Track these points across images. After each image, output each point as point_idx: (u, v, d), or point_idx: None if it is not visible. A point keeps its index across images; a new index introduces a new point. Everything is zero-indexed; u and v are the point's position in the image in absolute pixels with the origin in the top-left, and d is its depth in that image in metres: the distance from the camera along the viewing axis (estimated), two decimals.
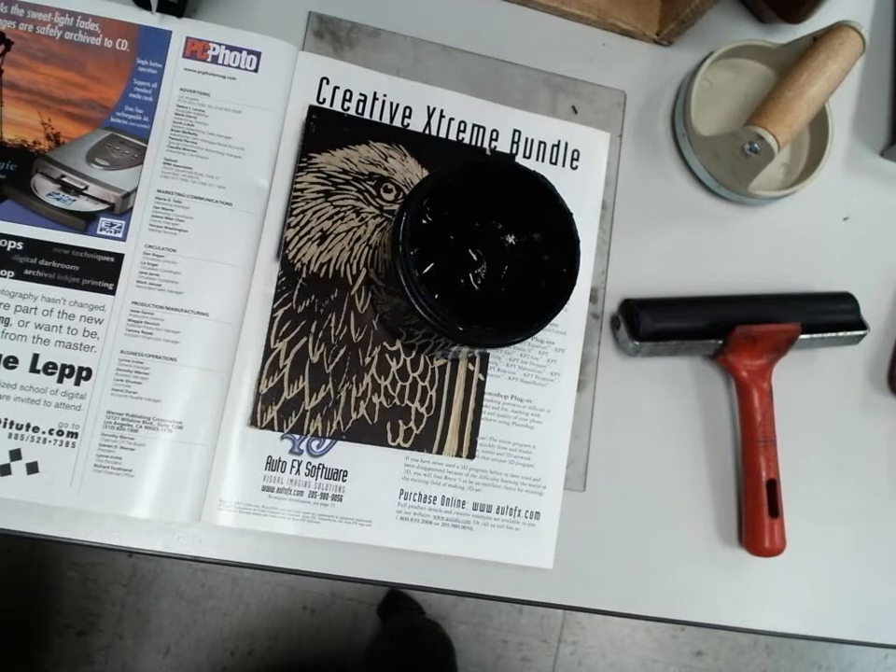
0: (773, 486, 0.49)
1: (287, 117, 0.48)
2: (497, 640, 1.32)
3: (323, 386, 0.46)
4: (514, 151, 0.51)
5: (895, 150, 0.57)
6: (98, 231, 0.45)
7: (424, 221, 0.36)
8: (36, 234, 0.44)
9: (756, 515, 0.49)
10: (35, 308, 0.43)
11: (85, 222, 0.45)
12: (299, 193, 0.47)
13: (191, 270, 0.45)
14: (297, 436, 0.46)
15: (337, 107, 0.49)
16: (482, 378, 0.48)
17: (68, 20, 0.46)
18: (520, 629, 1.33)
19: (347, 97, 0.49)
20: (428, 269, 0.36)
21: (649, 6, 0.54)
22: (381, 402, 0.47)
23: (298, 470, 0.45)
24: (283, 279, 0.46)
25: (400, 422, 0.47)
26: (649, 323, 0.49)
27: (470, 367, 0.48)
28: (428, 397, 0.47)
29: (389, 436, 0.47)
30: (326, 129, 0.48)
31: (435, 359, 0.48)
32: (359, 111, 0.49)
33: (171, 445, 0.43)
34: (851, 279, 0.55)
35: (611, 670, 1.36)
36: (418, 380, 0.47)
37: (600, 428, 0.50)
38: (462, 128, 0.51)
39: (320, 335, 0.47)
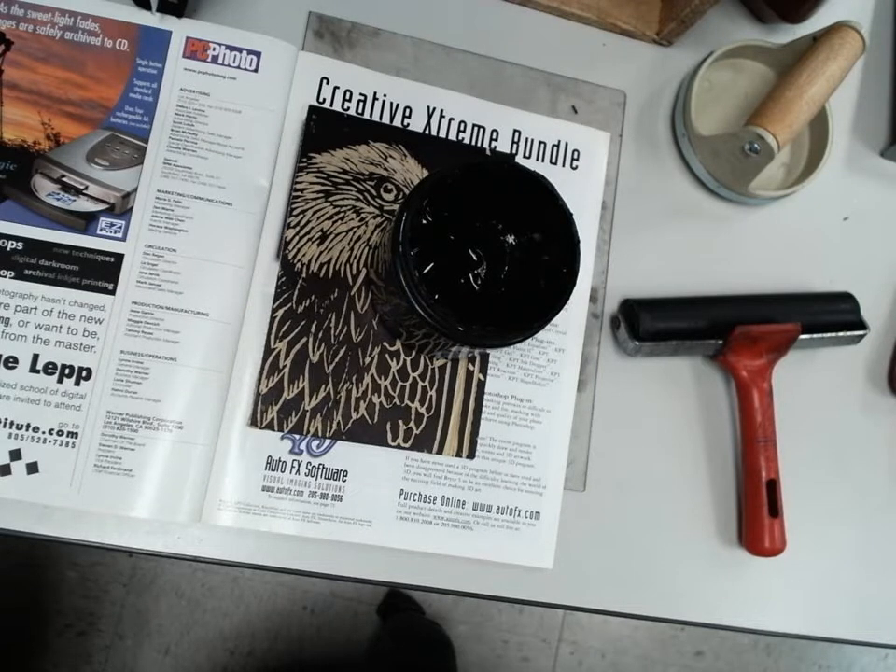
0: (773, 486, 0.49)
1: (287, 117, 0.48)
2: (497, 640, 1.32)
3: (323, 386, 0.46)
4: (514, 151, 0.51)
5: (895, 150, 0.57)
6: (98, 231, 0.45)
7: (424, 221, 0.36)
8: (36, 234, 0.44)
9: (756, 515, 0.49)
10: (35, 308, 0.43)
11: (85, 222, 0.45)
12: (299, 193, 0.47)
13: (191, 270, 0.45)
14: (297, 436, 0.46)
15: (337, 107, 0.49)
16: (482, 378, 0.48)
17: (68, 20, 0.46)
18: (520, 629, 1.33)
19: (347, 97, 0.49)
20: (428, 269, 0.36)
21: (649, 6, 0.54)
22: (381, 402, 0.47)
23: (298, 470, 0.45)
24: (283, 279, 0.46)
25: (400, 422, 0.47)
26: (649, 323, 0.49)
27: (470, 367, 0.48)
28: (428, 397, 0.47)
29: (389, 436, 0.47)
30: (326, 129, 0.48)
31: (435, 359, 0.48)
32: (359, 111, 0.49)
33: (171, 445, 0.43)
34: (851, 279, 0.55)
35: (611, 670, 1.36)
36: (418, 380, 0.47)
37: (600, 428, 0.50)
38: (462, 128, 0.51)
39: (320, 335, 0.47)
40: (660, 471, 0.51)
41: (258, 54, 0.48)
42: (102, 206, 0.45)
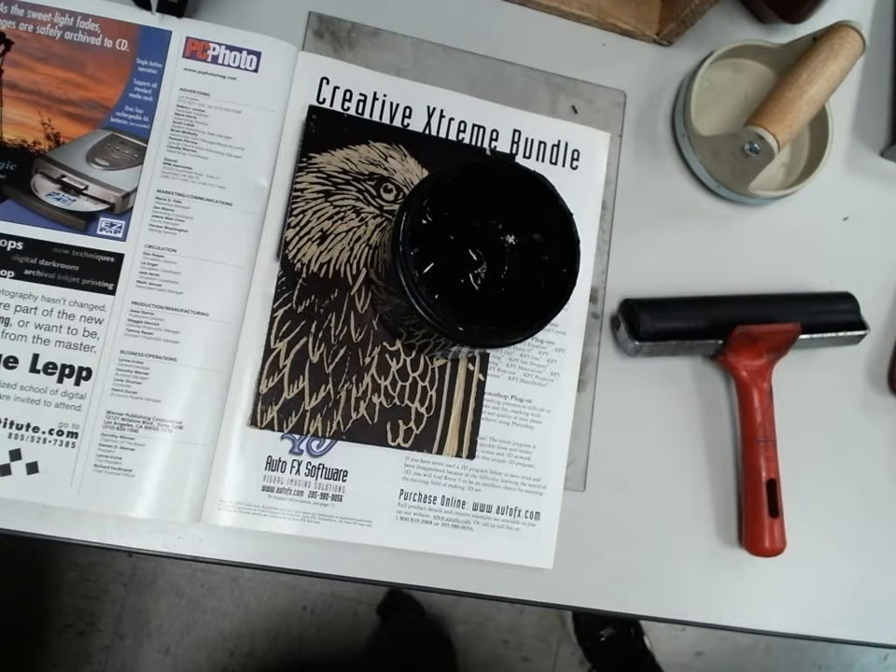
0: (773, 486, 0.49)
1: (287, 117, 0.48)
2: (497, 640, 1.32)
3: (323, 386, 0.46)
4: (514, 151, 0.51)
5: (895, 150, 0.57)
6: (98, 231, 0.45)
7: (424, 221, 0.36)
8: (36, 234, 0.44)
9: (756, 515, 0.49)
10: (35, 308, 0.43)
11: (85, 222, 0.45)
12: (299, 193, 0.47)
13: (191, 270, 0.45)
14: (297, 436, 0.46)
15: (337, 107, 0.49)
16: (482, 378, 0.48)
17: (68, 20, 0.46)
18: (520, 629, 1.33)
19: (347, 97, 0.49)
20: (428, 269, 0.36)
21: (649, 6, 0.54)
22: (381, 402, 0.47)
23: (298, 470, 0.45)
24: (283, 279, 0.46)
25: (400, 422, 0.47)
26: (649, 323, 0.49)
27: (470, 367, 0.48)
28: (428, 397, 0.47)
29: (389, 436, 0.47)
30: (326, 129, 0.48)
31: (435, 359, 0.48)
32: (359, 111, 0.49)
33: (171, 445, 0.43)
34: (851, 279, 0.55)
35: None
36: (418, 380, 0.47)
37: (600, 428, 0.50)
38: (462, 128, 0.51)
39: (320, 335, 0.47)
40: (660, 471, 0.51)
41: (258, 54, 0.48)
42: (102, 206, 0.45)
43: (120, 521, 0.43)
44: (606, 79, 0.54)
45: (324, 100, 0.49)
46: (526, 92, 0.52)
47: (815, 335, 0.51)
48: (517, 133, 0.51)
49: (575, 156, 0.52)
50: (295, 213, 0.47)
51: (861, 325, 0.52)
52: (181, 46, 0.47)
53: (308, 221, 0.47)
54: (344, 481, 0.46)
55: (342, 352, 0.47)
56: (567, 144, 0.52)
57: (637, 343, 0.49)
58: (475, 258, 0.37)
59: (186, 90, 0.47)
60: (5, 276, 0.43)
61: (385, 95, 0.50)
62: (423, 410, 0.47)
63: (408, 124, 0.50)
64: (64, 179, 0.45)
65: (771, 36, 0.56)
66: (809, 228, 0.56)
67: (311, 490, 0.45)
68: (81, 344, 0.44)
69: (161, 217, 0.45)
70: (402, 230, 0.36)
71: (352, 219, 0.48)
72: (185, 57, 0.47)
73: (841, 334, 0.52)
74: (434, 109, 0.50)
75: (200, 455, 0.44)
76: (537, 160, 0.51)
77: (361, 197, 0.48)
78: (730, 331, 0.49)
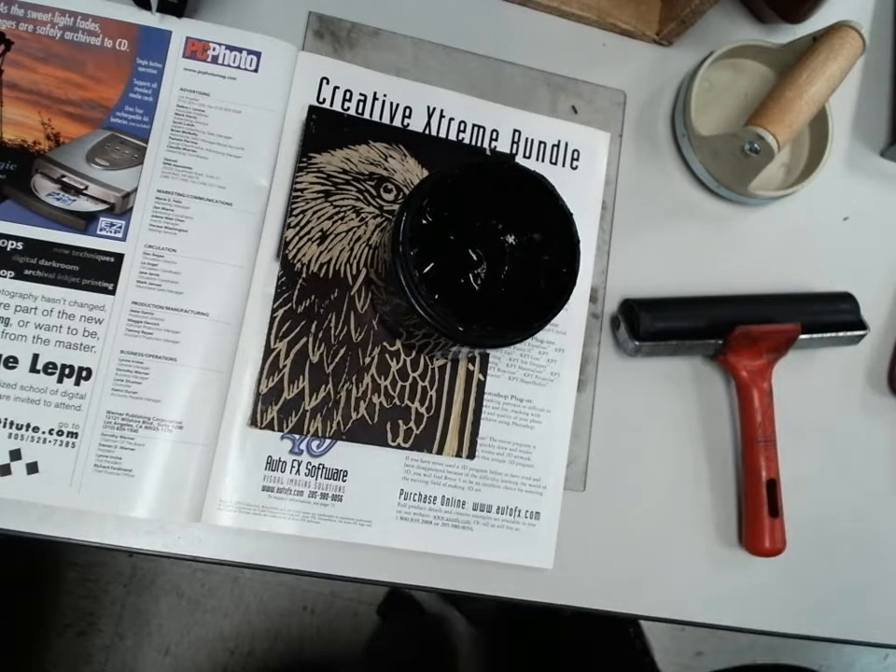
0: (773, 486, 0.49)
1: (287, 117, 0.48)
2: None
3: (323, 386, 0.46)
4: (514, 151, 0.51)
5: (895, 150, 0.57)
6: (98, 231, 0.45)
7: (424, 221, 0.36)
8: (36, 234, 0.44)
9: (756, 515, 0.49)
10: (35, 308, 0.43)
11: (85, 222, 0.45)
12: (299, 193, 0.47)
13: (191, 270, 0.45)
14: (297, 436, 0.46)
15: (337, 107, 0.49)
16: (482, 378, 0.48)
17: (68, 20, 0.46)
18: None
19: (347, 97, 0.49)
20: (428, 269, 0.36)
21: (649, 6, 0.54)
22: (381, 402, 0.47)
23: (298, 470, 0.45)
24: (283, 279, 0.46)
25: (400, 422, 0.47)
26: (649, 323, 0.49)
27: (470, 367, 0.48)
28: (428, 397, 0.47)
29: (389, 436, 0.47)
30: (326, 129, 0.48)
31: (435, 359, 0.48)
32: (359, 111, 0.49)
33: (171, 445, 0.43)
34: (851, 279, 0.55)
35: None
36: (418, 380, 0.47)
37: (600, 428, 0.50)
38: (462, 128, 0.51)
39: (320, 335, 0.47)
40: (660, 471, 0.51)
41: (258, 54, 0.48)
42: (102, 206, 0.45)
43: (120, 521, 0.43)
44: (606, 79, 0.54)
45: (324, 100, 0.49)
46: (526, 92, 0.52)
47: (815, 335, 0.51)
48: (517, 133, 0.51)
49: (575, 156, 0.52)
50: (295, 213, 0.47)
51: (861, 325, 0.52)
52: (181, 46, 0.47)
53: (308, 221, 0.47)
54: (344, 481, 0.46)
55: (342, 352, 0.47)
56: (566, 144, 0.52)
57: (637, 342, 0.49)
58: (475, 258, 0.37)
59: (186, 90, 0.47)
60: (5, 276, 0.43)
61: (385, 95, 0.50)
62: (423, 410, 0.47)
63: (408, 124, 0.50)
64: (64, 179, 0.45)
65: (771, 36, 0.56)
66: (809, 228, 0.56)
67: (311, 490, 0.45)
68: (81, 344, 0.44)
69: (161, 217, 0.45)
70: (402, 230, 0.36)
71: (352, 219, 0.48)
72: (185, 57, 0.47)
73: (841, 334, 0.52)
74: (434, 109, 0.50)
75: (200, 455, 0.44)
76: (537, 160, 0.51)
77: (361, 197, 0.48)
78: (730, 331, 0.49)
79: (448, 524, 0.47)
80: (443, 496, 0.47)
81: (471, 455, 0.48)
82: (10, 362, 0.43)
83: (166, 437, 0.43)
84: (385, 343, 0.47)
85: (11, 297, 0.43)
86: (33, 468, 0.42)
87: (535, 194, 0.38)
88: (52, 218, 0.44)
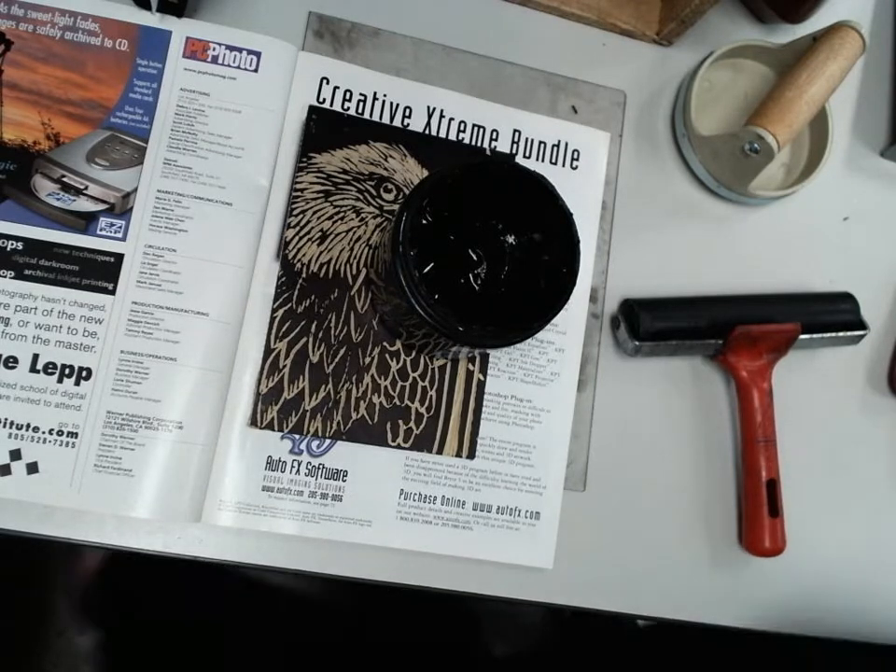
0: (773, 486, 0.49)
1: (287, 117, 0.48)
2: None
3: (323, 386, 0.46)
4: (514, 151, 0.51)
5: (895, 150, 0.57)
6: (98, 231, 0.45)
7: (424, 221, 0.36)
8: (36, 234, 0.44)
9: (756, 515, 0.49)
10: (35, 308, 0.43)
11: (85, 222, 0.45)
12: (299, 193, 0.47)
13: (191, 270, 0.45)
14: (297, 436, 0.46)
15: (337, 107, 0.49)
16: (482, 378, 0.48)
17: (68, 20, 0.46)
18: None
19: (347, 97, 0.49)
20: (428, 269, 0.36)
21: (649, 6, 0.54)
22: (381, 402, 0.47)
23: (298, 470, 0.45)
24: (283, 279, 0.46)
25: (400, 422, 0.47)
26: (649, 323, 0.49)
27: (470, 367, 0.48)
28: (428, 397, 0.47)
29: (389, 436, 0.47)
30: (326, 129, 0.48)
31: (435, 359, 0.48)
32: (359, 111, 0.49)
33: (171, 445, 0.43)
34: (851, 279, 0.55)
35: None
36: (418, 380, 0.47)
37: (600, 428, 0.50)
38: (462, 128, 0.51)
39: (320, 335, 0.47)
40: (660, 471, 0.51)
41: (258, 54, 0.48)
42: (102, 206, 0.45)
43: (120, 521, 0.43)
44: (606, 79, 0.54)
45: (324, 100, 0.49)
46: (526, 92, 0.52)
47: (815, 335, 0.51)
48: (517, 133, 0.51)
49: (575, 156, 0.52)
50: (295, 213, 0.47)
51: (861, 325, 0.52)
52: (181, 46, 0.47)
53: (308, 221, 0.47)
54: (344, 481, 0.46)
55: (342, 352, 0.47)
56: (567, 144, 0.52)
57: (636, 342, 0.49)
58: (475, 258, 0.37)
59: (186, 90, 0.47)
60: (5, 276, 0.43)
61: (385, 95, 0.50)
62: (423, 410, 0.47)
63: (408, 124, 0.50)
64: (64, 179, 0.45)
65: (771, 36, 0.56)
66: (809, 228, 0.56)
67: (311, 490, 0.45)
68: (81, 344, 0.44)
69: (161, 217, 0.45)
70: (402, 230, 0.36)
71: (352, 219, 0.48)
72: (185, 57, 0.47)
73: (841, 334, 0.52)
74: (434, 109, 0.50)
75: (200, 455, 0.44)
76: (537, 160, 0.51)
77: (361, 197, 0.48)
78: (730, 331, 0.49)
79: (448, 524, 0.47)
80: (443, 496, 0.47)
81: (471, 455, 0.48)
82: (10, 362, 0.43)
83: (166, 437, 0.43)
84: (385, 343, 0.47)
85: (11, 297, 0.43)
86: (33, 468, 0.42)
87: (535, 194, 0.38)
88: (52, 218, 0.44)
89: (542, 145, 0.52)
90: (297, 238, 0.47)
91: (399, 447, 0.47)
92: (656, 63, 0.55)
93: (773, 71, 0.55)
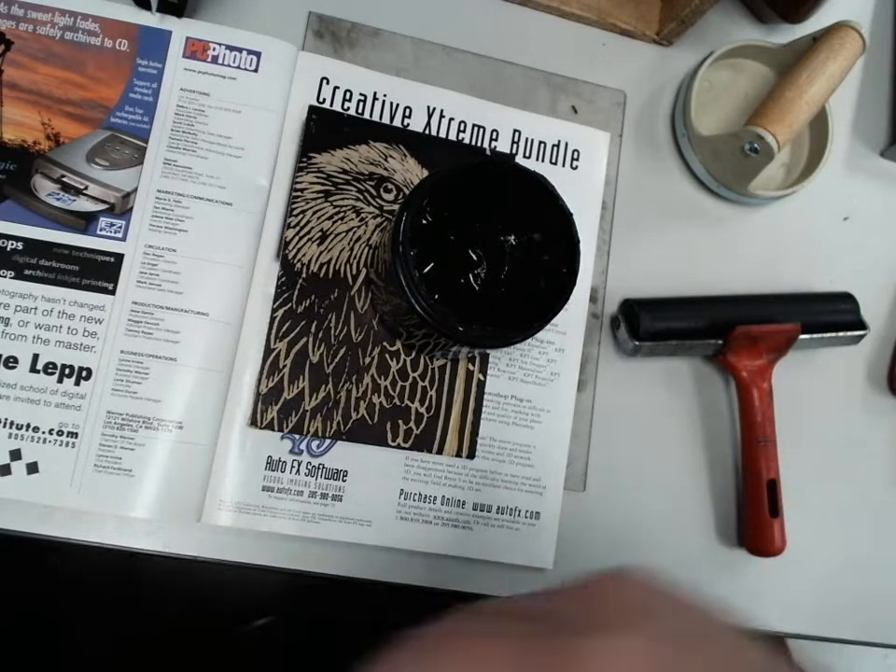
0: (773, 486, 0.49)
1: (287, 117, 0.48)
2: None
3: (323, 386, 0.46)
4: (514, 151, 0.51)
5: (895, 150, 0.57)
6: (98, 231, 0.45)
7: (424, 221, 0.36)
8: (36, 234, 0.44)
9: (756, 515, 0.49)
10: (35, 308, 0.43)
11: (85, 222, 0.45)
12: (299, 193, 0.47)
13: (191, 270, 0.45)
14: (297, 436, 0.46)
15: (337, 107, 0.49)
16: (482, 378, 0.48)
17: (68, 20, 0.46)
18: None
19: (347, 97, 0.49)
20: (428, 269, 0.36)
21: (649, 6, 0.54)
22: (381, 402, 0.47)
23: (298, 470, 0.45)
24: (283, 279, 0.46)
25: (400, 422, 0.47)
26: (649, 323, 0.49)
27: (470, 367, 0.48)
28: (428, 397, 0.47)
29: (389, 436, 0.47)
30: (326, 129, 0.48)
31: (435, 359, 0.48)
32: (359, 111, 0.49)
33: (171, 445, 0.43)
34: (851, 279, 0.55)
35: None
36: (418, 380, 0.47)
37: (600, 428, 0.50)
38: (462, 128, 0.51)
39: (320, 335, 0.47)
40: (660, 472, 0.51)
41: (258, 54, 0.48)
42: (102, 206, 0.45)
43: (120, 521, 0.43)
44: (606, 79, 0.54)
45: (324, 100, 0.49)
46: (526, 92, 0.52)
47: (815, 335, 0.51)
48: (517, 133, 0.51)
49: (575, 156, 0.52)
50: (295, 213, 0.47)
51: (861, 325, 0.52)
52: (181, 46, 0.47)
53: (308, 221, 0.47)
54: (344, 481, 0.46)
55: (342, 352, 0.47)
56: (566, 144, 0.52)
57: (636, 342, 0.49)
58: (475, 258, 0.37)
59: (186, 90, 0.47)
60: (5, 276, 0.43)
61: (385, 95, 0.50)
62: (423, 410, 0.47)
63: (408, 124, 0.50)
64: (64, 179, 0.45)
65: (771, 36, 0.56)
66: (809, 228, 0.56)
67: (311, 490, 0.45)
68: (81, 344, 0.44)
69: (161, 217, 0.45)
70: (402, 230, 0.36)
71: (352, 219, 0.48)
72: (185, 57, 0.47)
73: (841, 334, 0.52)
74: (434, 109, 0.50)
75: (200, 454, 0.44)
76: (537, 160, 0.51)
77: (361, 197, 0.48)
78: (730, 331, 0.49)
79: (448, 524, 0.47)
80: (443, 496, 0.47)
81: (471, 455, 0.48)
82: (10, 362, 0.43)
83: (166, 437, 0.43)
84: (385, 343, 0.47)
85: (11, 297, 0.43)
86: (33, 468, 0.42)
87: (535, 194, 0.38)
88: (52, 218, 0.44)
89: (542, 145, 0.52)
90: (297, 238, 0.47)
91: (398, 447, 0.47)
92: (656, 63, 0.55)
93: (773, 71, 0.55)
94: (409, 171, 0.49)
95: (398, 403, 0.47)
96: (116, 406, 0.43)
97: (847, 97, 0.58)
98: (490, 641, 0.21)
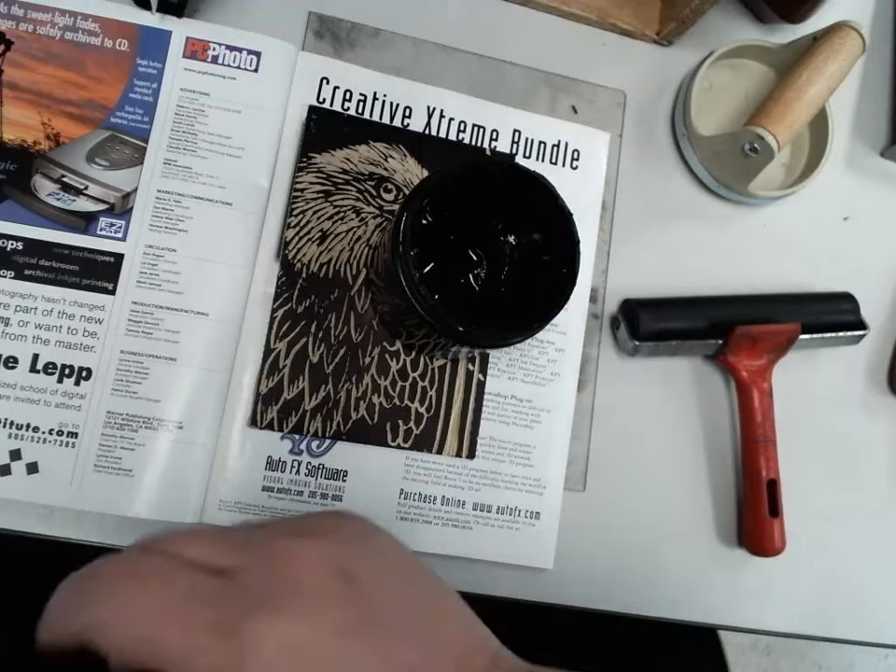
0: (773, 486, 0.49)
1: (287, 117, 0.48)
2: None
3: (323, 386, 0.46)
4: (514, 151, 0.51)
5: (895, 150, 0.57)
6: (98, 231, 0.45)
7: (424, 221, 0.36)
8: (36, 234, 0.44)
9: (756, 515, 0.49)
10: (35, 308, 0.43)
11: (85, 222, 0.45)
12: (299, 193, 0.47)
13: (191, 270, 0.45)
14: (297, 436, 0.46)
15: (337, 107, 0.49)
16: (482, 378, 0.48)
17: (68, 20, 0.46)
18: None
19: (347, 97, 0.49)
20: (428, 269, 0.36)
21: (649, 6, 0.54)
22: (381, 402, 0.47)
23: (298, 471, 0.45)
24: (283, 279, 0.46)
25: (400, 422, 0.47)
26: (649, 323, 0.49)
27: (470, 367, 0.48)
28: (428, 397, 0.47)
29: (389, 436, 0.47)
30: (326, 129, 0.48)
31: (435, 359, 0.48)
32: (359, 111, 0.49)
33: (171, 445, 0.43)
34: (851, 279, 0.55)
35: None
36: (418, 380, 0.47)
37: (600, 428, 0.50)
38: (462, 128, 0.51)
39: (320, 335, 0.47)
40: (660, 471, 0.51)
41: (258, 54, 0.48)
42: (102, 206, 0.45)
43: (120, 521, 0.43)
44: (606, 79, 0.54)
45: (324, 100, 0.49)
46: (526, 92, 0.52)
47: (815, 335, 0.51)
48: (517, 133, 0.51)
49: (575, 156, 0.52)
50: (295, 213, 0.47)
51: (861, 325, 0.52)
52: (181, 46, 0.47)
53: (308, 221, 0.47)
54: (344, 481, 0.46)
55: (342, 352, 0.47)
56: (566, 144, 0.52)
57: (636, 342, 0.49)
58: (475, 258, 0.37)
59: (186, 90, 0.47)
60: (5, 276, 0.43)
61: (384, 95, 0.50)
62: (423, 410, 0.47)
63: (408, 124, 0.50)
64: (64, 179, 0.45)
65: (771, 36, 0.56)
66: (809, 228, 0.56)
67: (311, 490, 0.45)
68: (81, 344, 0.44)
69: (161, 217, 0.45)
70: (402, 230, 0.36)
71: (352, 219, 0.48)
72: (185, 57, 0.47)
73: (841, 334, 0.52)
74: (434, 109, 0.50)
75: (200, 454, 0.44)
76: (537, 160, 0.51)
77: (361, 197, 0.48)
78: (730, 331, 0.49)
79: (448, 524, 0.47)
80: (443, 496, 0.47)
81: (471, 455, 0.48)
82: (10, 362, 0.43)
83: (166, 437, 0.43)
84: (384, 343, 0.47)
85: (11, 297, 0.43)
86: (33, 468, 0.42)
87: (535, 194, 0.38)
88: (52, 218, 0.44)
89: (542, 145, 0.52)
90: (297, 238, 0.47)
91: (398, 447, 0.47)
92: (656, 63, 0.55)
93: (773, 71, 0.55)
94: (409, 171, 0.49)
95: (398, 403, 0.47)
96: (116, 406, 0.43)
97: (847, 97, 0.58)
98: (161, 591, 0.21)
